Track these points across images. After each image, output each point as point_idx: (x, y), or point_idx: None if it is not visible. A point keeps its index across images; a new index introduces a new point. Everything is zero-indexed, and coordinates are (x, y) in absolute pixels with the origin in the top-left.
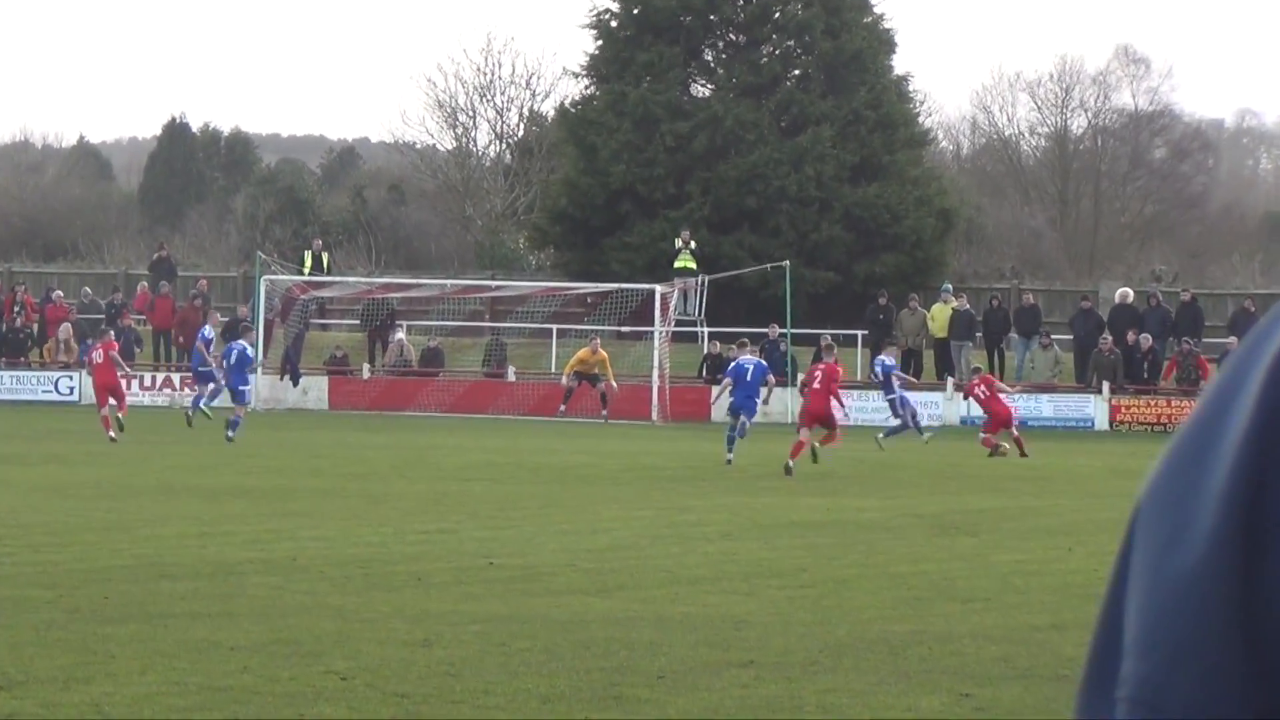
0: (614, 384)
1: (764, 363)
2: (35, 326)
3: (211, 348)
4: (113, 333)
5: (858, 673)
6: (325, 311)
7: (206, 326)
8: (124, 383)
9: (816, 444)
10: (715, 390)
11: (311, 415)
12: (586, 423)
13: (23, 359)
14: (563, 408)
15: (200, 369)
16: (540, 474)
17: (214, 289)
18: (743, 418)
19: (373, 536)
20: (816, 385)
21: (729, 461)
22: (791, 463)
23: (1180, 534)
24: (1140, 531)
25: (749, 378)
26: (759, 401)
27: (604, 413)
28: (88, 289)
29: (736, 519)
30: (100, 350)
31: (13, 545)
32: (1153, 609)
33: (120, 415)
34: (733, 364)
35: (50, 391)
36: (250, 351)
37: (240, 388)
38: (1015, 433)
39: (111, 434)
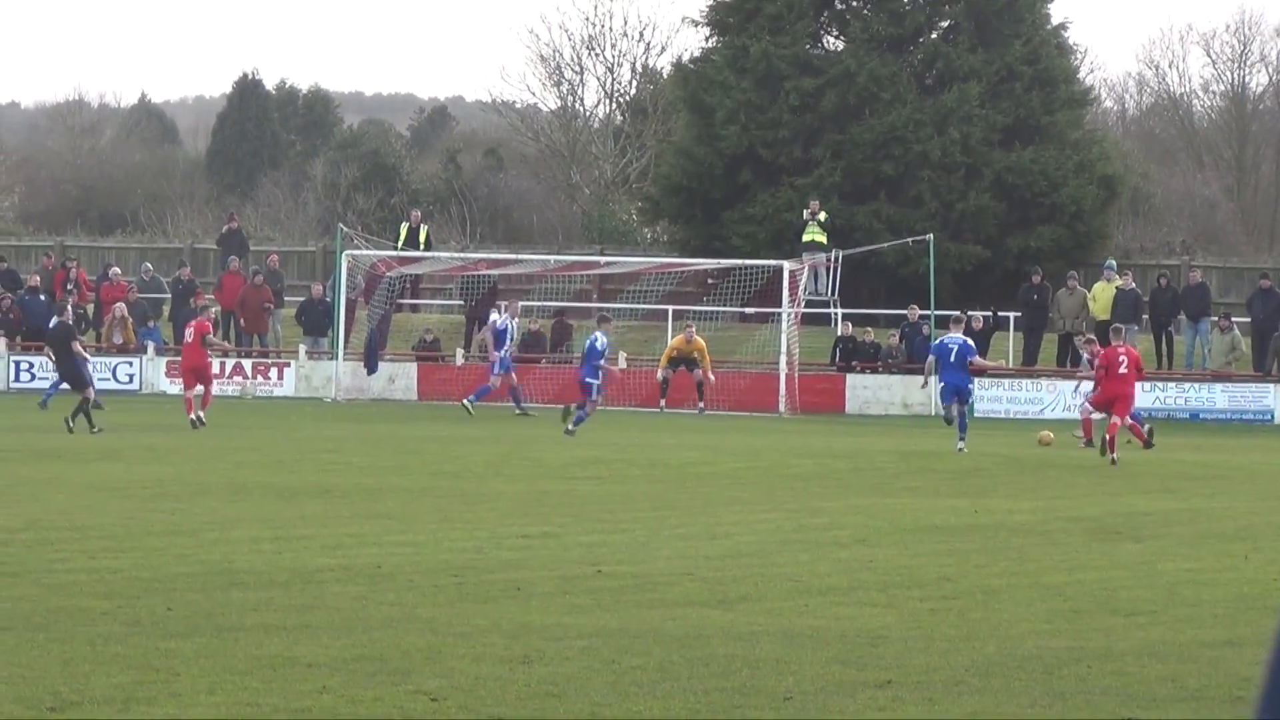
0: (710, 375)
1: (970, 341)
2: (90, 307)
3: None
4: (215, 310)
5: (1008, 694)
6: (416, 290)
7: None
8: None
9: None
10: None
11: (399, 406)
12: (705, 415)
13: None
14: (662, 403)
15: None
16: (653, 472)
17: (289, 264)
18: (957, 402)
19: (466, 541)
20: (1123, 370)
21: (960, 449)
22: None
23: None
24: None
25: (953, 358)
26: (971, 384)
27: (700, 404)
28: (148, 265)
29: (872, 522)
30: (191, 329)
31: (67, 551)
32: None
33: (203, 408)
34: (937, 341)
35: (108, 379)
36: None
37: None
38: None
39: (192, 415)
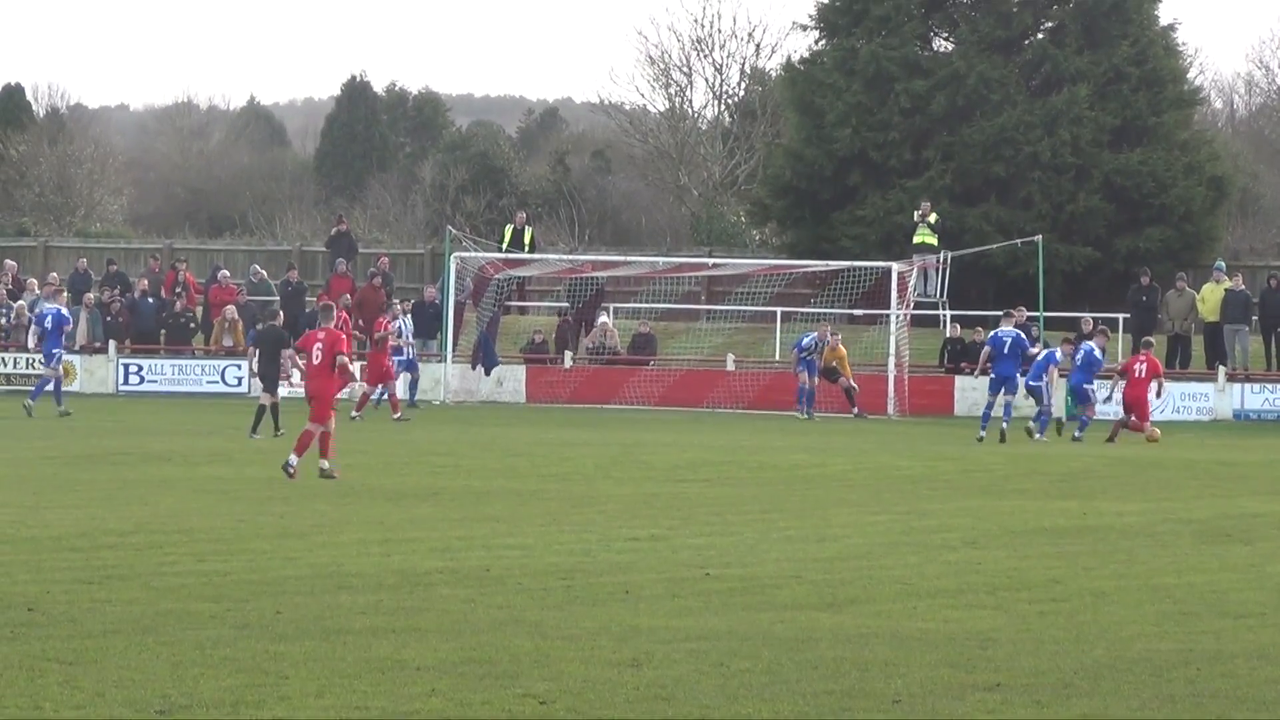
0: (854, 382)
1: (1024, 335)
2: (199, 310)
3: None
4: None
5: (1117, 696)
6: (524, 292)
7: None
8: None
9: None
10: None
11: (507, 409)
12: (814, 418)
13: (186, 346)
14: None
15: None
16: (761, 474)
17: (398, 267)
18: (1004, 393)
19: (575, 544)
20: (1139, 376)
21: (990, 439)
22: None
23: None
24: None
25: (1006, 350)
26: (1021, 378)
27: (855, 409)
28: (257, 267)
29: (981, 525)
30: (320, 344)
31: (175, 553)
32: None
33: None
34: (992, 334)
35: (216, 382)
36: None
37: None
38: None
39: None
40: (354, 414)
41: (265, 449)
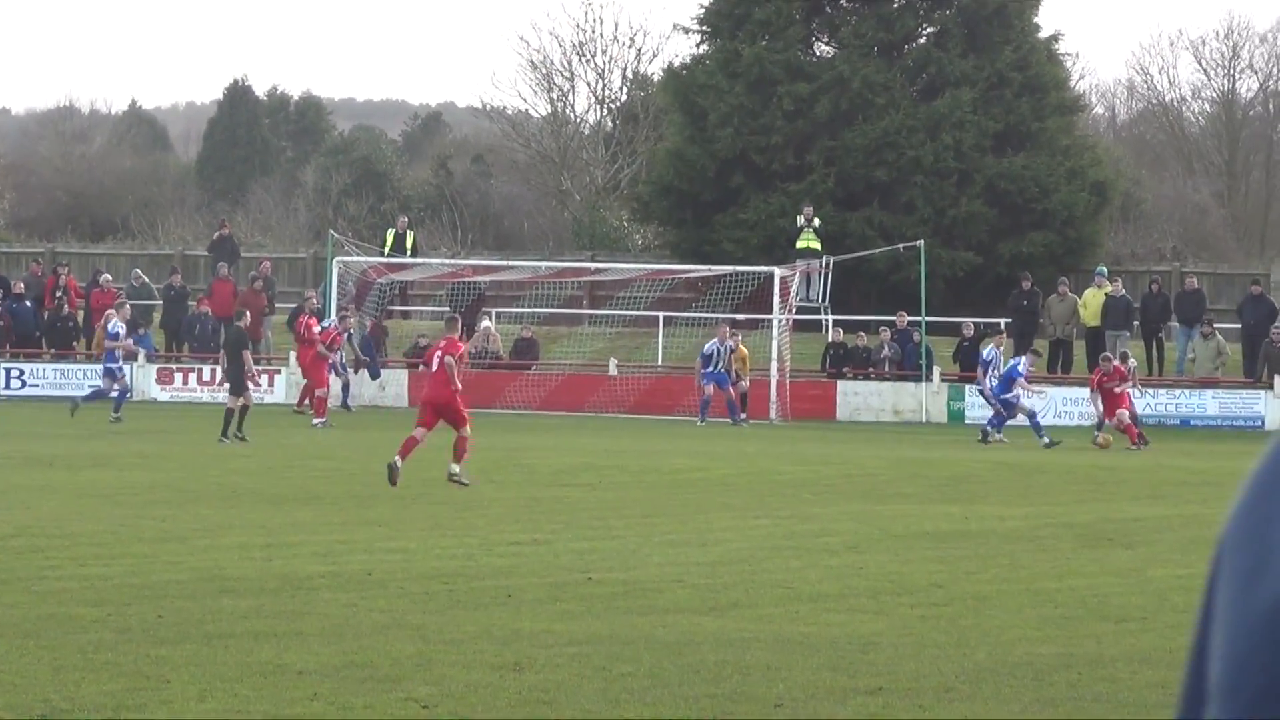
0: (746, 383)
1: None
2: (80, 314)
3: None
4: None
5: (999, 700)
6: (406, 297)
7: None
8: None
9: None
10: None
11: (390, 413)
12: (695, 422)
13: (68, 350)
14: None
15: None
16: (644, 479)
17: (280, 271)
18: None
19: (457, 548)
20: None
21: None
22: None
23: (1262, 567)
24: (1223, 569)
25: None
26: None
27: (742, 415)
28: (139, 271)
29: (863, 529)
30: (438, 353)
31: (57, 558)
32: (1237, 650)
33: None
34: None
35: (97, 386)
36: None
37: None
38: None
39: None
40: (316, 420)
41: (148, 454)
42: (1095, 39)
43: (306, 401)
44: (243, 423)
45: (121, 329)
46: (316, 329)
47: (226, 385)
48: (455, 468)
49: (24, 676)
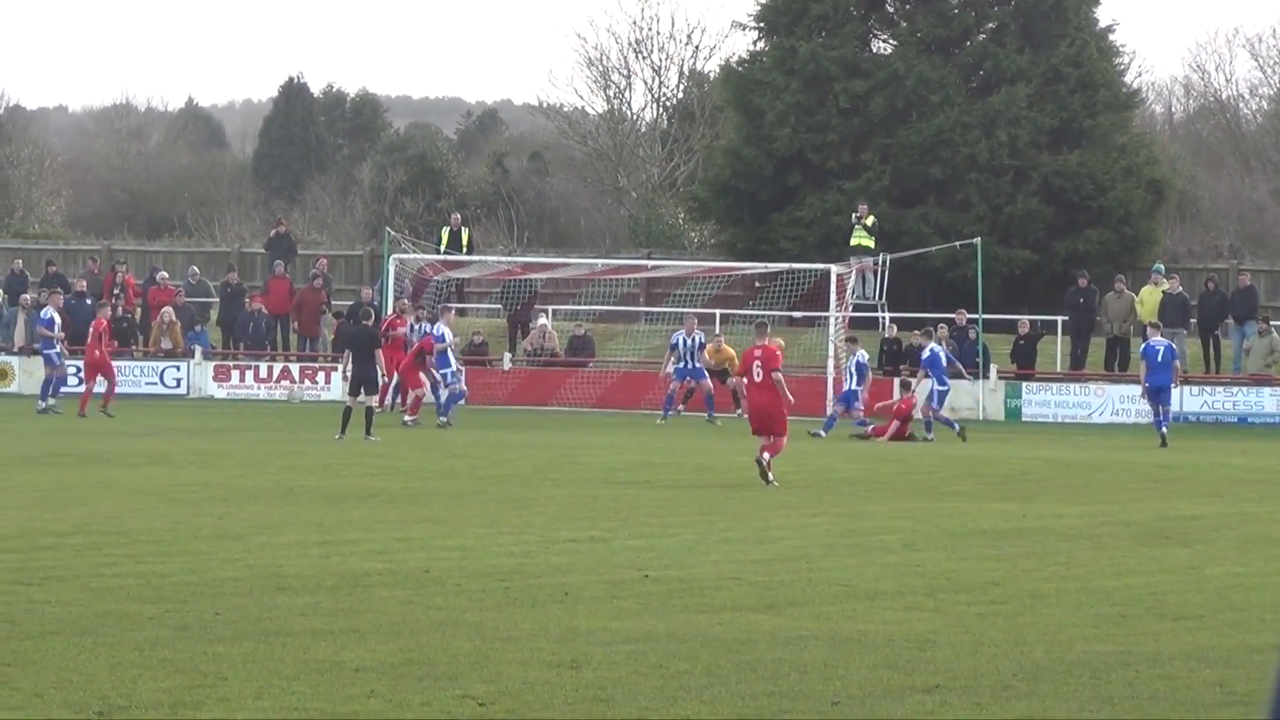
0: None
1: (1173, 345)
2: (137, 311)
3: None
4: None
5: (1056, 698)
6: (462, 294)
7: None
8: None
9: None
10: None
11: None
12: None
13: (125, 348)
14: (681, 408)
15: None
16: (701, 477)
17: (337, 268)
18: (1161, 402)
19: (514, 546)
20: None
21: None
22: None
23: None
24: None
25: (1159, 359)
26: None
27: (738, 410)
28: (195, 268)
29: (920, 527)
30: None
31: (114, 555)
32: None
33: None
34: (1144, 345)
35: (155, 384)
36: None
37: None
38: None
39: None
40: (407, 419)
41: (205, 451)
42: (1151, 37)
43: (397, 400)
44: (370, 424)
45: (56, 318)
46: (403, 329)
47: (347, 384)
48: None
49: (81, 673)
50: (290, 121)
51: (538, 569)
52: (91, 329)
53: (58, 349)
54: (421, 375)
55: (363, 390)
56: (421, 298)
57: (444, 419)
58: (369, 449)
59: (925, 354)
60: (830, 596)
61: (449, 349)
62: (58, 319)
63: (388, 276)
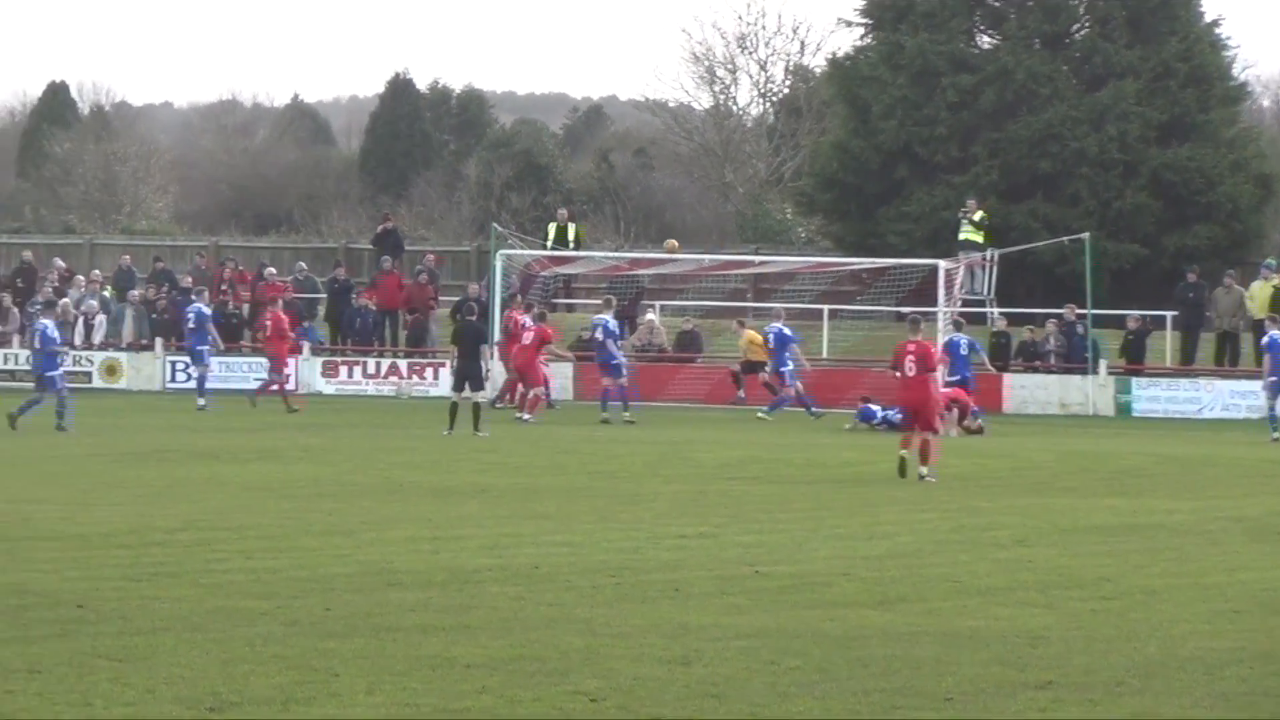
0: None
1: None
2: (245, 307)
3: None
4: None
5: (1169, 695)
6: (570, 290)
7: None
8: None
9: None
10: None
11: (555, 406)
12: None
13: (233, 344)
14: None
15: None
16: (810, 472)
17: (444, 264)
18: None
19: (624, 542)
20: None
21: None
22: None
23: None
24: None
25: None
26: None
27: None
28: (303, 264)
29: (1031, 522)
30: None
31: (225, 551)
32: None
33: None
34: (1268, 338)
35: (263, 379)
36: (52, 332)
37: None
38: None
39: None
40: (526, 416)
41: (314, 447)
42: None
43: (509, 397)
44: (479, 420)
45: (55, 332)
46: (524, 320)
47: (452, 380)
48: (924, 470)
49: (193, 669)
50: (396, 117)
51: (648, 565)
52: (271, 323)
53: (208, 346)
54: (544, 371)
55: (467, 385)
56: (529, 293)
57: (628, 417)
58: (478, 444)
59: (943, 341)
60: (942, 592)
61: (613, 341)
62: (55, 333)
63: (495, 272)
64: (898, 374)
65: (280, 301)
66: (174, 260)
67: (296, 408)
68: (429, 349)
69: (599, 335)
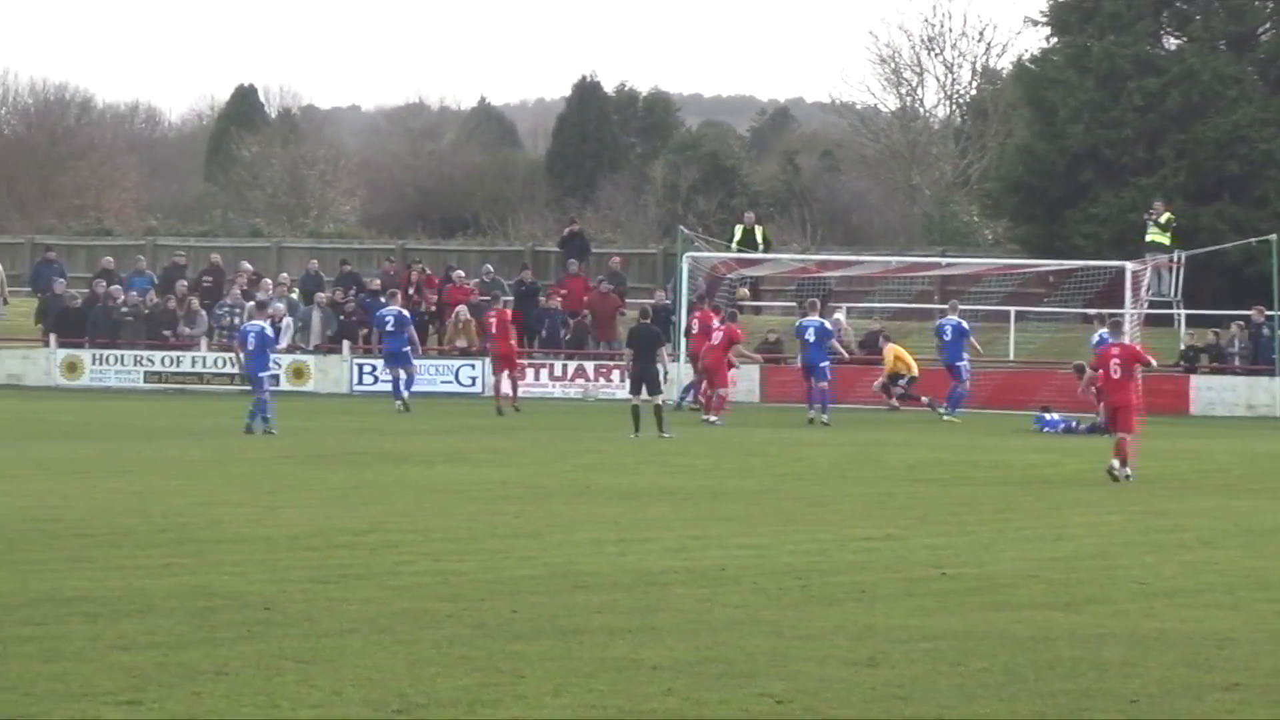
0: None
1: None
2: (433, 309)
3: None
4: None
5: None
6: (758, 292)
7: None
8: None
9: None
10: None
11: (741, 409)
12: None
13: (422, 347)
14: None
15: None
16: (996, 474)
17: (630, 267)
18: None
19: (810, 544)
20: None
21: None
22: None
23: None
24: None
25: None
26: None
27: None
28: (489, 266)
29: (1218, 524)
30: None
31: (411, 553)
32: None
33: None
34: None
35: (450, 382)
36: (269, 332)
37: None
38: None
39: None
40: (712, 418)
41: (501, 450)
42: None
43: (693, 396)
44: (663, 422)
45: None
46: (715, 322)
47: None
48: (1117, 464)
49: (380, 671)
50: (583, 120)
51: (834, 567)
52: (496, 321)
53: (408, 348)
54: (731, 373)
55: (644, 389)
56: (715, 296)
57: (824, 419)
58: (664, 446)
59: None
60: (1128, 594)
61: (827, 341)
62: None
63: (681, 275)
64: (1097, 372)
65: (501, 301)
66: (360, 263)
67: (516, 408)
68: (618, 351)
69: (809, 337)
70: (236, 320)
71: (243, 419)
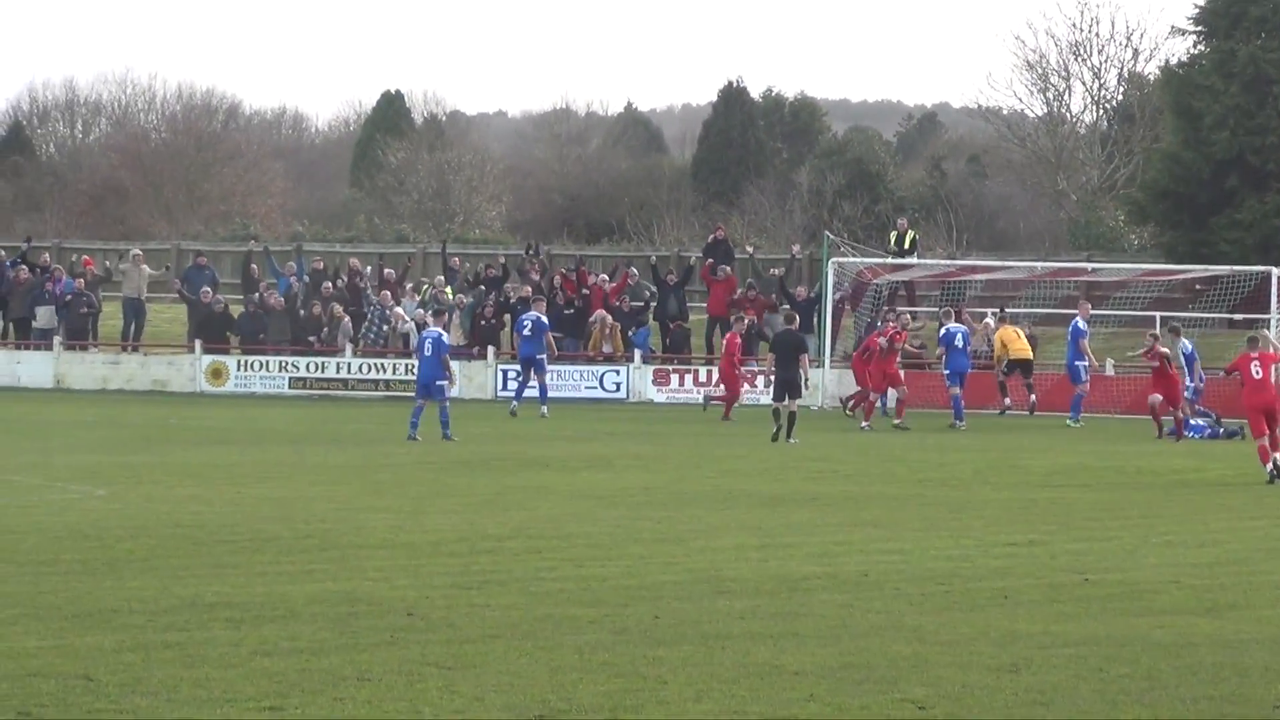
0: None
1: None
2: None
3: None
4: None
5: None
6: (913, 297)
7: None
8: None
9: None
10: None
11: (879, 413)
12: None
13: (565, 354)
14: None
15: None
16: (1140, 479)
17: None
18: None
19: (953, 549)
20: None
21: None
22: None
23: None
24: None
25: None
26: None
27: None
28: (634, 270)
29: None
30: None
31: (554, 559)
32: None
33: None
34: None
35: (595, 388)
36: (447, 340)
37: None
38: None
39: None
40: (863, 424)
41: (645, 455)
42: None
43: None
44: (791, 428)
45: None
46: (882, 341)
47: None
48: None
49: (521, 677)
50: (729, 125)
51: (977, 572)
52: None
53: (544, 354)
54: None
55: (786, 395)
56: (861, 301)
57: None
58: (809, 452)
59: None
60: (1271, 600)
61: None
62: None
63: (826, 280)
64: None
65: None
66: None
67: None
68: (754, 355)
69: (959, 343)
70: (386, 327)
71: (389, 425)
